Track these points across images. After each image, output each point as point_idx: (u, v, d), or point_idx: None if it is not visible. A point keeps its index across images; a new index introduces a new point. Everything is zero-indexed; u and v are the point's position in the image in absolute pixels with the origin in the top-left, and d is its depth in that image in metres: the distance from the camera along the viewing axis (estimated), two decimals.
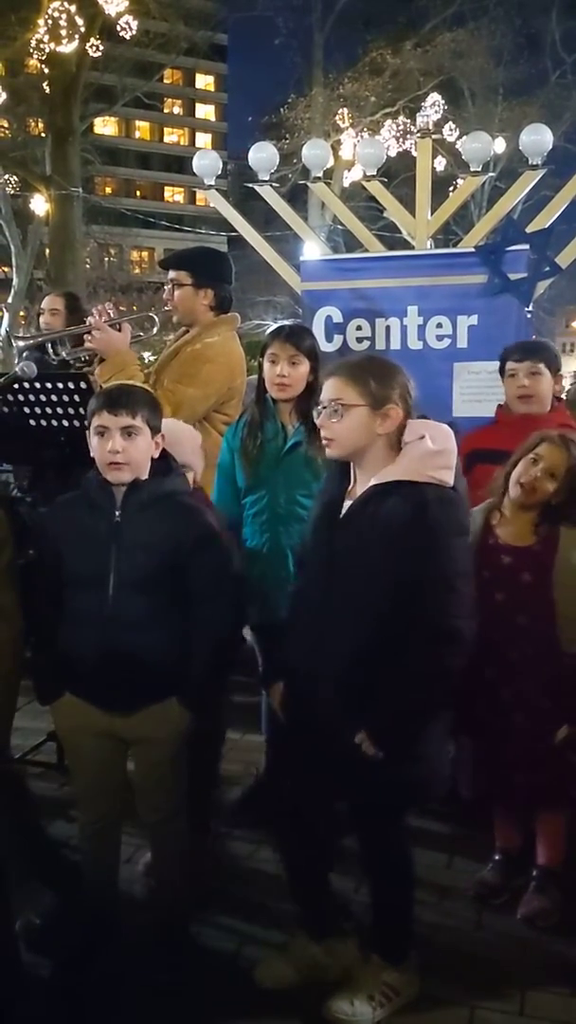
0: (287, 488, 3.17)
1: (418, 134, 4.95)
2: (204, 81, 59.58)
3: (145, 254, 44.74)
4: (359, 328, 4.37)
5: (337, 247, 16.05)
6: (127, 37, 14.18)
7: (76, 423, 3.39)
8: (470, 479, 2.58)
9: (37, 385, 3.42)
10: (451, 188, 10.20)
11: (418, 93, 22.86)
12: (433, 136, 4.91)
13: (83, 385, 3.39)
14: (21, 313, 19.81)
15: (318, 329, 4.29)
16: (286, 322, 3.47)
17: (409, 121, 18.04)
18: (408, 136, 15.74)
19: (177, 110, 59.04)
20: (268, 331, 3.34)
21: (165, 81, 43.42)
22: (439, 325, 4.23)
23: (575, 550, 2.83)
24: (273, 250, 4.88)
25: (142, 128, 56.78)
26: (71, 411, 3.44)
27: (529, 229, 4.20)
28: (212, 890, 3.02)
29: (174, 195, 57.67)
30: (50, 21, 11.89)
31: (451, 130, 16.47)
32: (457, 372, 4.18)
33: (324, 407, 2.41)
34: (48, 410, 3.48)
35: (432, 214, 4.74)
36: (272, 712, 3.00)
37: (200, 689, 2.59)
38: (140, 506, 2.51)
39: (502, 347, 3.64)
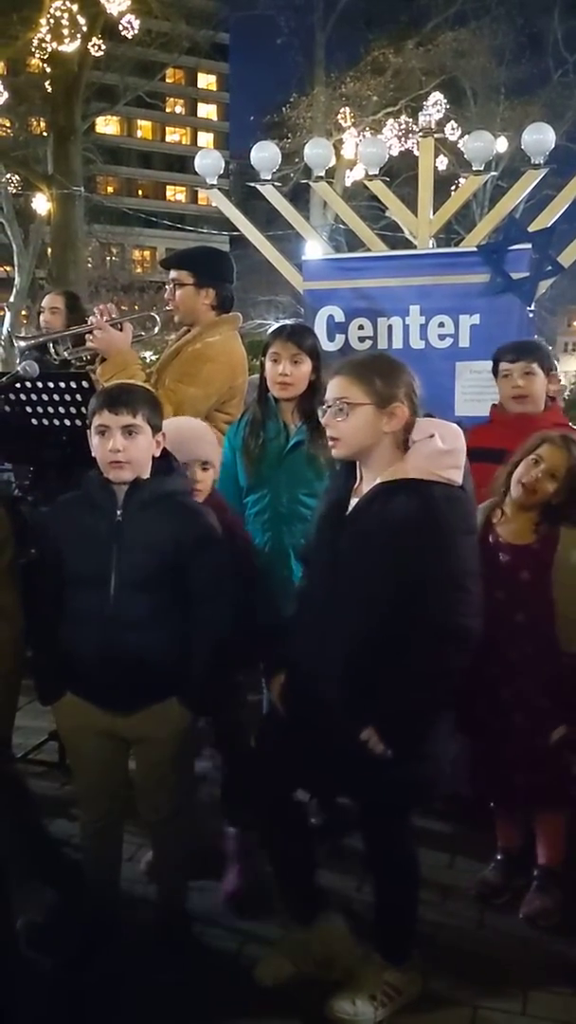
0: (289, 487, 3.18)
1: (420, 133, 4.96)
2: (206, 80, 59.53)
3: (147, 253, 44.70)
4: (361, 327, 4.37)
5: (339, 246, 16.01)
6: (129, 36, 14.14)
7: (77, 422, 3.39)
8: None
9: (39, 384, 3.43)
10: (453, 187, 10.22)
11: (420, 92, 22.80)
12: (435, 135, 4.92)
13: (84, 384, 3.39)
14: (23, 313, 19.81)
15: (320, 328, 4.29)
16: (288, 321, 3.47)
17: (411, 120, 18.04)
18: (410, 135, 15.77)
19: (179, 109, 59.01)
20: (270, 330, 3.35)
21: (167, 80, 43.44)
22: (441, 324, 4.23)
23: (575, 550, 2.83)
24: (275, 249, 4.88)
25: (144, 127, 56.71)
26: (72, 410, 3.44)
27: (531, 228, 4.19)
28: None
29: (176, 194, 57.61)
30: (52, 20, 11.86)
31: (453, 129, 16.51)
32: (459, 371, 4.18)
33: (329, 406, 2.40)
34: (50, 409, 3.48)
35: (434, 213, 4.74)
36: (272, 706, 2.99)
37: (200, 689, 2.58)
38: (141, 505, 2.50)
39: None
